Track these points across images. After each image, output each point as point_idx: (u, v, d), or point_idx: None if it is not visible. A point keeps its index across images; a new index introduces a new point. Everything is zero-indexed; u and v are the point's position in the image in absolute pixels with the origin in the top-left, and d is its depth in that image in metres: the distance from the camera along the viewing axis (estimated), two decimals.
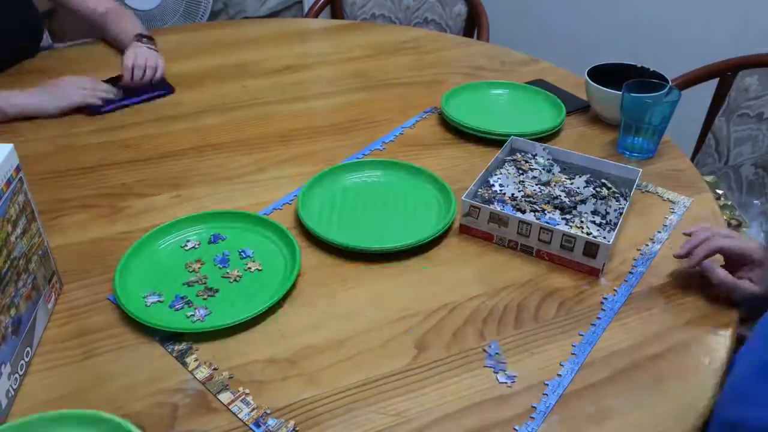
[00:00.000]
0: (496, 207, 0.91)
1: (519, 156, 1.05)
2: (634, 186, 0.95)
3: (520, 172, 1.01)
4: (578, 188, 0.96)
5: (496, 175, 1.00)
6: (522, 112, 1.25)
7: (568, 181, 0.98)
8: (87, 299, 0.81)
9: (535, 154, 1.05)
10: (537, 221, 0.87)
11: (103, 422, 0.62)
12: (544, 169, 1.01)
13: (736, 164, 1.50)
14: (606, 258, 0.84)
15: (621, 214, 0.90)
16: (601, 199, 0.93)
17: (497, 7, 2.15)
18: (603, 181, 0.98)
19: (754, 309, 0.76)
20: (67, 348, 0.75)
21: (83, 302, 0.78)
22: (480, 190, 0.97)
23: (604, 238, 0.86)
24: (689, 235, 0.85)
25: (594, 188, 0.96)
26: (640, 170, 0.97)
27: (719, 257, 0.82)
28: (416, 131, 1.20)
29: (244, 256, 0.87)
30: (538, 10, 2.62)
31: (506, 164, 1.03)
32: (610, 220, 0.90)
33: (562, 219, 0.90)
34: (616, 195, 0.94)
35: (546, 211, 0.91)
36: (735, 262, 0.81)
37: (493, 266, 0.87)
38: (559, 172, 1.01)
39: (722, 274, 0.79)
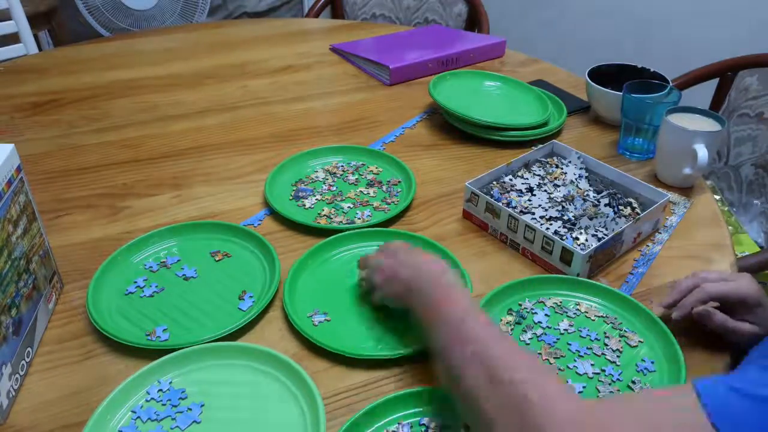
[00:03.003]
0: (497, 198, 0.91)
1: (553, 160, 1.03)
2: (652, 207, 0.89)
3: (547, 174, 1.00)
4: (597, 202, 0.93)
5: (521, 171, 1.00)
6: (523, 109, 1.24)
7: (591, 194, 0.95)
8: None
9: (570, 161, 1.02)
10: (523, 218, 0.87)
11: None
12: (573, 176, 0.98)
13: (736, 164, 1.51)
14: (581, 269, 0.82)
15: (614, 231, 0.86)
16: (616, 215, 0.90)
17: (497, 7, 2.16)
18: (630, 200, 0.94)
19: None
20: (68, 348, 0.75)
21: (84, 302, 0.78)
22: (495, 182, 0.97)
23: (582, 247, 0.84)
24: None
25: (617, 206, 0.92)
26: (668, 195, 0.91)
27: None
28: (417, 131, 1.20)
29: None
30: (538, 10, 2.62)
31: (535, 164, 1.02)
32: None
33: (563, 228, 0.89)
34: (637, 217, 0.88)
35: (540, 215, 0.91)
36: (731, 304, 0.73)
37: (496, 264, 0.87)
38: (589, 184, 0.97)
39: (720, 318, 0.72)
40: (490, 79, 1.33)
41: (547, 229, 0.88)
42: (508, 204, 0.93)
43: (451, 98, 1.20)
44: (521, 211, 0.92)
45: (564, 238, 0.86)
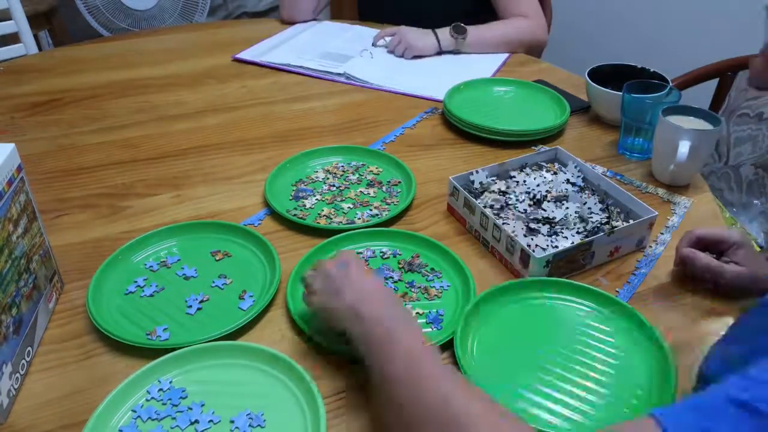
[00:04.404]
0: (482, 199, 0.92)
1: (553, 165, 1.02)
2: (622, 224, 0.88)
3: (541, 177, 0.99)
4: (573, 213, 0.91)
5: (516, 171, 1.00)
6: (525, 110, 1.24)
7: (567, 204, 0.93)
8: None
9: (568, 169, 1.01)
10: (493, 216, 0.87)
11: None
12: (562, 182, 0.97)
13: (736, 164, 1.51)
14: (539, 272, 0.80)
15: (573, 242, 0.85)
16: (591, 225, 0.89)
17: None
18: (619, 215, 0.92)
19: (744, 291, 0.80)
20: (68, 348, 0.75)
21: (84, 302, 0.78)
22: (486, 180, 0.97)
23: (544, 250, 0.84)
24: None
25: (605, 218, 0.90)
26: (656, 213, 0.87)
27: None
28: (417, 131, 1.20)
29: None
30: None
31: (532, 167, 1.02)
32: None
33: (549, 231, 0.88)
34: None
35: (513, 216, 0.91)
36: (717, 250, 0.83)
37: (496, 264, 0.87)
38: (576, 192, 0.96)
39: (705, 259, 0.81)
40: (501, 85, 1.33)
41: (522, 230, 0.87)
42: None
43: (467, 109, 1.20)
44: (501, 207, 0.92)
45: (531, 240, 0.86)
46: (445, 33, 1.47)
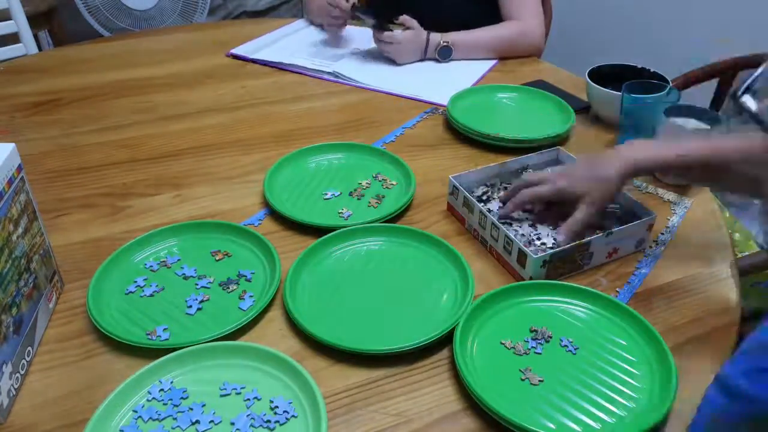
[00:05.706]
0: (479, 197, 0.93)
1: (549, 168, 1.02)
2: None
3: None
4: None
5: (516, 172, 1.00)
6: (529, 117, 1.23)
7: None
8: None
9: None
10: (490, 215, 0.87)
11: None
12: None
13: None
14: (535, 273, 0.81)
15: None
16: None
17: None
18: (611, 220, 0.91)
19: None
20: (68, 347, 0.75)
21: (84, 302, 0.78)
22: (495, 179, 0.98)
23: (544, 250, 0.84)
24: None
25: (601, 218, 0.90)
26: (654, 214, 0.87)
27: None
28: (417, 131, 1.20)
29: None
30: None
31: (531, 168, 1.01)
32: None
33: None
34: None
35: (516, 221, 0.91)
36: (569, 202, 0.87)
37: (495, 264, 0.87)
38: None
39: (562, 233, 0.84)
40: (505, 91, 1.32)
41: (517, 230, 0.88)
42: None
43: (471, 115, 1.19)
44: (499, 208, 0.92)
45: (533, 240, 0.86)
46: (431, 53, 1.46)
